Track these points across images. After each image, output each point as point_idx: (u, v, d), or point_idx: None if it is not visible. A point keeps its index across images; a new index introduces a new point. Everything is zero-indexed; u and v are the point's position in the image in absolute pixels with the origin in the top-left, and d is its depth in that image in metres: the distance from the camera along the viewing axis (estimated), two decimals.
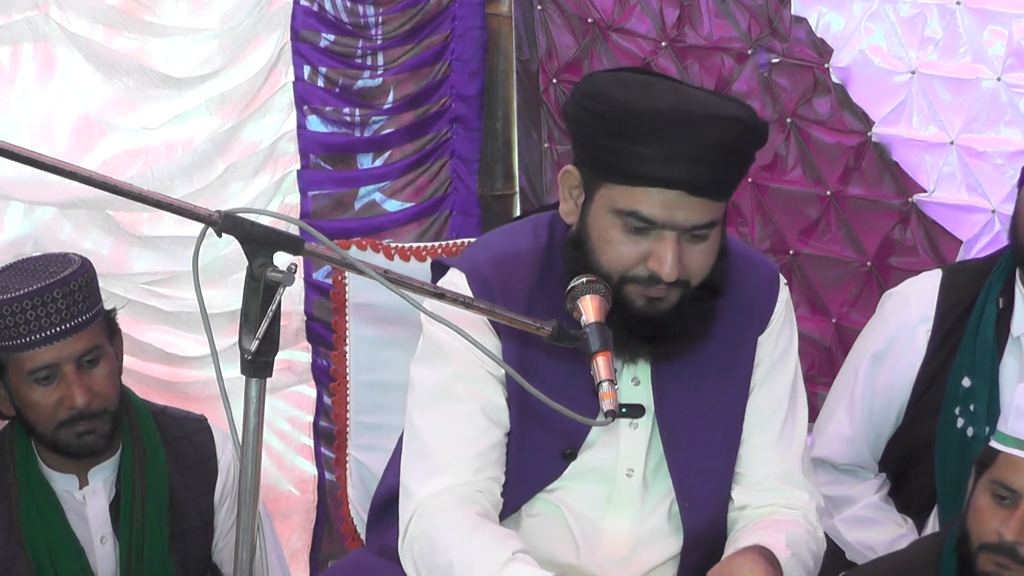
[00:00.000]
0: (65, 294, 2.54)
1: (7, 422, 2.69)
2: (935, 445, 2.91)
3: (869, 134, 3.83)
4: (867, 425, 2.98)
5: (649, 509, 2.33)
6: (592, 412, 2.12)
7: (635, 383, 2.28)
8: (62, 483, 2.65)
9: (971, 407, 2.83)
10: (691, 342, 2.23)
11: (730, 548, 2.28)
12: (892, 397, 2.97)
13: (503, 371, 2.25)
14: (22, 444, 2.64)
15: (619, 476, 2.31)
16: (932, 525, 2.98)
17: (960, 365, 2.87)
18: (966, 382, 2.86)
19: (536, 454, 2.29)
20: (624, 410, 2.25)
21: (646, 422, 2.29)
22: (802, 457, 2.38)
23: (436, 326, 2.24)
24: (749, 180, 3.89)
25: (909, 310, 2.95)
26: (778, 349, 2.36)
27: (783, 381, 2.37)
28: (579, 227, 2.19)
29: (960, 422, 2.85)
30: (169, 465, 2.71)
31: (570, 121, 2.22)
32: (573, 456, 2.29)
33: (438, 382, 2.28)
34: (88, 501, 2.65)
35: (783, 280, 2.40)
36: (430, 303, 1.98)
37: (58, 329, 2.54)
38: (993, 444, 2.48)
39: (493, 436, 2.26)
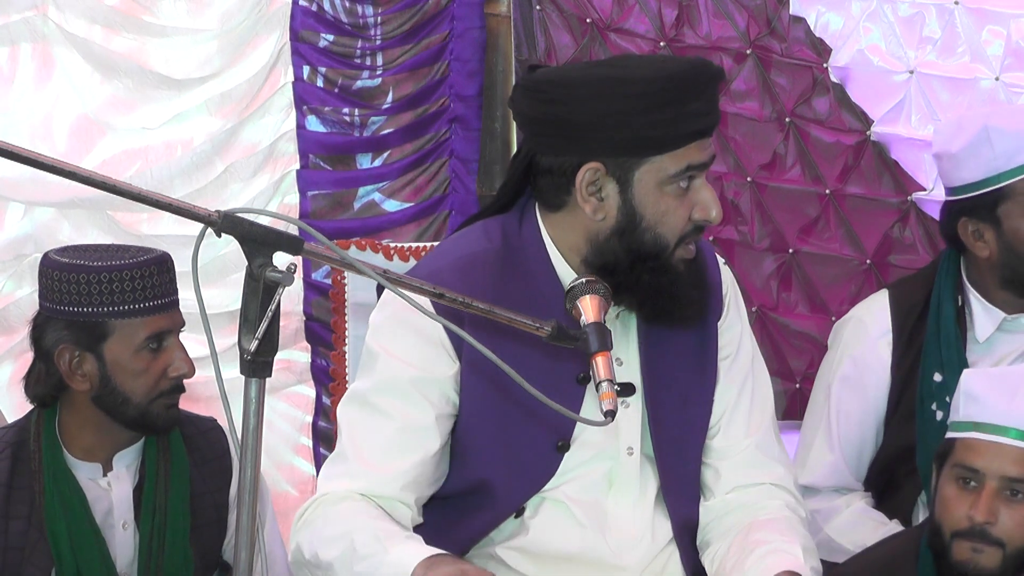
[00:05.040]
0: (171, 267, 2.64)
1: (30, 410, 2.69)
2: (916, 446, 2.95)
3: (868, 133, 3.84)
4: (846, 447, 3.03)
5: (647, 488, 2.35)
6: (571, 403, 2.21)
7: (618, 363, 2.31)
8: (86, 472, 2.66)
9: (947, 398, 2.86)
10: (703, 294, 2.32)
11: (736, 548, 2.29)
12: (867, 414, 3.03)
13: (450, 381, 2.27)
14: (48, 433, 2.65)
15: (621, 455, 2.33)
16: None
17: (928, 364, 2.94)
18: (937, 377, 2.93)
19: (528, 450, 2.30)
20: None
21: (636, 400, 2.33)
22: (771, 426, 2.44)
23: (378, 337, 2.29)
24: (748, 179, 3.89)
25: (867, 329, 3.03)
26: (735, 330, 2.43)
27: (744, 356, 2.43)
28: (624, 215, 2.21)
29: (939, 415, 2.90)
30: (187, 457, 2.74)
31: (600, 116, 2.19)
32: (566, 447, 2.30)
33: (364, 390, 2.29)
34: (113, 486, 2.67)
35: (722, 259, 2.46)
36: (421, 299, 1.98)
37: (173, 299, 2.65)
38: (950, 435, 2.56)
39: (410, 457, 2.26)
